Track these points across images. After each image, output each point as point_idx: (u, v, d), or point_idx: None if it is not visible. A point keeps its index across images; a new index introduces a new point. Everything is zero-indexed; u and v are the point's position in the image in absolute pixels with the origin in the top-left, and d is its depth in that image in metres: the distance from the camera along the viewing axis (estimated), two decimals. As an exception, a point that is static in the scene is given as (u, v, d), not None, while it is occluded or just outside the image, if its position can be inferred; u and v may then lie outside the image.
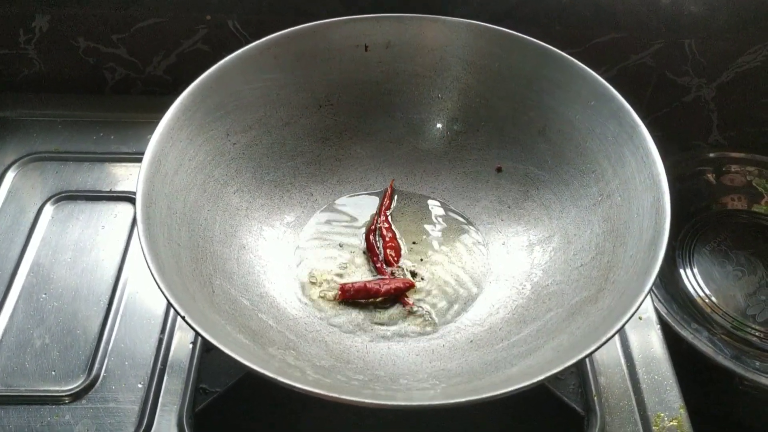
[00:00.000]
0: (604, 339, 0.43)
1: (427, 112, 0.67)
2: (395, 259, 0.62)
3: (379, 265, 0.61)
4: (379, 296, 0.59)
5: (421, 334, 0.57)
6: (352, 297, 0.58)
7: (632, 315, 0.44)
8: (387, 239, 0.63)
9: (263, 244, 0.61)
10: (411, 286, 0.59)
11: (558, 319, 0.52)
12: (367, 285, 0.59)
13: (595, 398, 0.57)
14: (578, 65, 0.60)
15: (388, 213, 0.65)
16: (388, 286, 0.58)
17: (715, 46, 0.78)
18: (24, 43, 0.80)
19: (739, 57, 0.79)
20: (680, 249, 0.82)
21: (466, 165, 0.67)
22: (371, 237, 0.63)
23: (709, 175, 0.87)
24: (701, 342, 0.70)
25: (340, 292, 0.58)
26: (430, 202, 0.67)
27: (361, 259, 0.62)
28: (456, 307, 0.59)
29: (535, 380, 0.42)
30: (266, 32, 0.62)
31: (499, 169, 0.66)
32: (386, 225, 0.64)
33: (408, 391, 0.48)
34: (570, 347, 0.47)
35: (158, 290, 0.61)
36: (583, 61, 0.60)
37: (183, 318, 0.43)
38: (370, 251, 0.63)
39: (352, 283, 0.59)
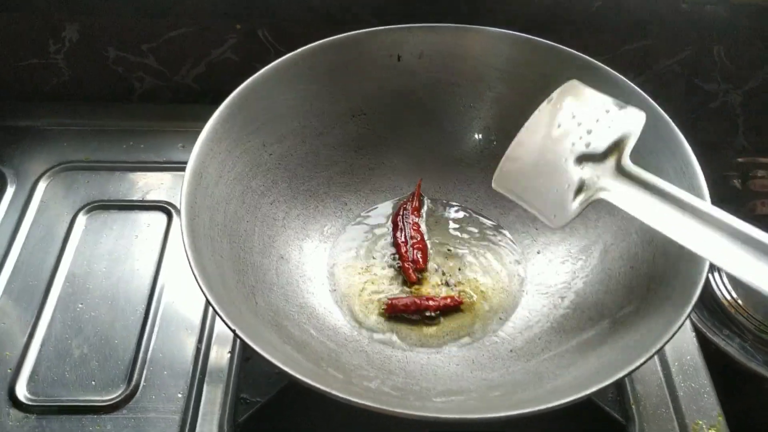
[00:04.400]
0: (652, 351, 0.43)
1: (460, 121, 0.68)
2: (423, 260, 0.62)
3: (406, 265, 0.62)
4: (428, 311, 0.59)
5: (460, 341, 0.57)
6: (399, 311, 0.59)
7: (679, 327, 0.44)
8: (416, 240, 0.63)
9: (300, 254, 0.61)
10: (459, 304, 0.59)
11: (599, 330, 0.52)
12: (416, 301, 0.59)
13: (633, 406, 0.57)
14: (614, 74, 0.60)
15: (416, 215, 0.65)
16: (437, 303, 0.59)
17: (743, 53, 0.78)
18: (54, 53, 0.80)
19: None
20: (708, 255, 0.81)
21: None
22: (397, 234, 0.64)
23: (735, 181, 0.87)
24: (733, 348, 0.70)
25: (386, 307, 0.59)
26: (461, 211, 0.67)
27: (394, 271, 0.63)
28: (494, 316, 0.59)
29: (583, 394, 0.42)
30: (296, 42, 0.63)
31: (532, 178, 0.66)
32: (415, 226, 0.64)
33: (457, 403, 0.49)
34: (615, 359, 0.47)
35: (195, 300, 0.63)
36: (612, 67, 0.60)
37: (235, 332, 0.43)
38: (396, 249, 0.63)
39: (399, 298, 0.59)
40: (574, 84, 0.44)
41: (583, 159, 0.41)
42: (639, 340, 0.47)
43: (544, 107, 0.42)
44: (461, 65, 0.66)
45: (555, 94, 0.43)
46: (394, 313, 0.59)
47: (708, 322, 0.73)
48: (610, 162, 0.41)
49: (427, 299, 0.59)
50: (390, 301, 0.59)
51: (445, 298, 0.60)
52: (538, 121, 0.42)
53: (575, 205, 0.41)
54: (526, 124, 0.42)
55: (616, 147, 0.41)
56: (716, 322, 0.74)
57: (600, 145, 0.41)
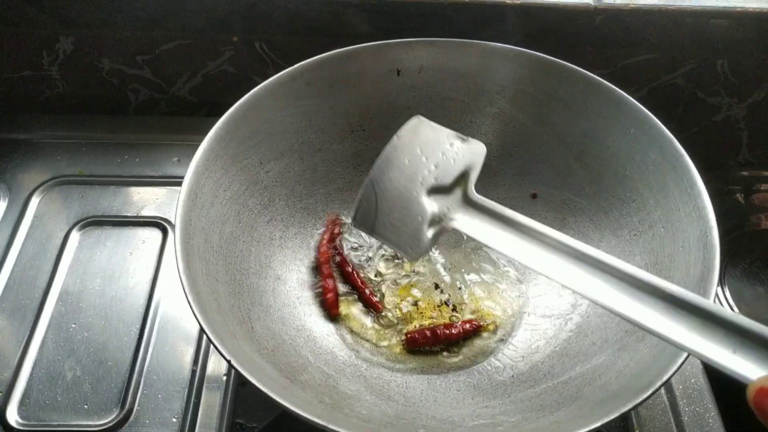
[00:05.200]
0: (658, 383, 0.42)
1: (460, 137, 0.66)
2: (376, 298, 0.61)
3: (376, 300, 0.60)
4: (450, 341, 0.57)
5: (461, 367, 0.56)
6: (420, 345, 0.57)
7: (687, 357, 0.43)
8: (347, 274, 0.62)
9: (298, 275, 0.60)
10: (479, 328, 0.58)
11: (604, 356, 0.51)
12: (437, 331, 0.57)
13: (637, 431, 0.56)
14: (617, 92, 0.59)
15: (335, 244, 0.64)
16: (458, 330, 0.57)
17: (747, 66, 0.77)
18: (48, 64, 0.79)
19: (772, 76, 0.78)
20: (711, 270, 0.81)
21: (499, 191, 0.66)
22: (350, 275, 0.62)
23: (738, 195, 0.86)
24: (738, 369, 0.69)
25: (406, 342, 0.57)
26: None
27: (393, 290, 0.62)
28: (496, 339, 0.58)
29: (587, 429, 0.41)
30: (293, 54, 0.62)
31: (534, 195, 0.65)
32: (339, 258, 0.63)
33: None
34: (620, 388, 0.46)
35: (190, 320, 0.62)
36: (614, 82, 0.59)
37: (230, 363, 0.42)
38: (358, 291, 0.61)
39: (417, 331, 0.57)
40: (419, 119, 0.46)
41: (433, 192, 0.43)
42: (645, 369, 0.45)
43: (394, 142, 0.45)
44: (461, 80, 0.64)
45: (402, 131, 0.45)
46: (415, 347, 0.57)
47: (712, 340, 0.72)
48: (457, 193, 0.44)
49: (446, 327, 0.57)
50: (408, 336, 0.57)
51: (464, 323, 0.58)
52: (390, 158, 0.44)
53: (428, 236, 0.43)
54: (377, 162, 0.44)
55: (462, 179, 0.44)
56: (720, 340, 0.73)
57: (447, 178, 0.43)
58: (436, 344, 0.57)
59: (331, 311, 0.58)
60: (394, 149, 0.45)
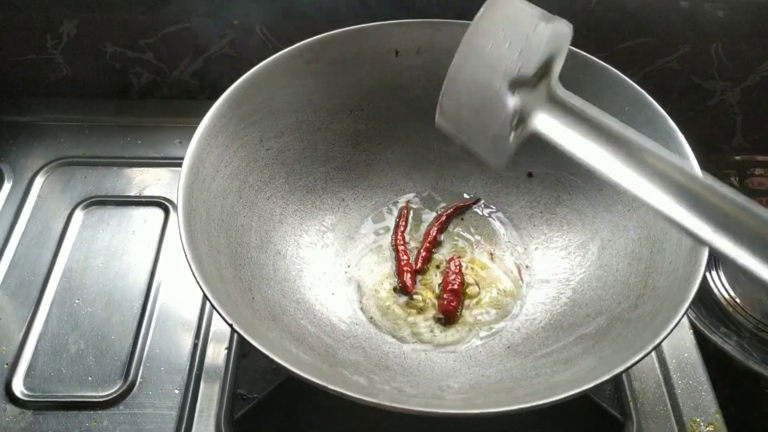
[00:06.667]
0: (649, 347, 0.43)
1: (457, 117, 0.67)
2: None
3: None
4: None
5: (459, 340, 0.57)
6: (456, 309, 0.59)
7: (677, 323, 0.44)
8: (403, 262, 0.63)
9: (297, 250, 0.61)
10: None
11: (597, 326, 0.52)
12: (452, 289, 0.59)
13: (631, 403, 0.57)
14: (611, 71, 0.60)
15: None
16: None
17: (741, 50, 0.78)
18: (51, 48, 0.80)
19: (765, 61, 0.79)
20: (706, 252, 0.81)
21: (496, 170, 0.67)
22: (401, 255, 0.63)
23: (732, 179, 0.87)
24: (731, 346, 0.70)
25: (443, 311, 0.58)
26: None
27: (392, 266, 0.63)
28: (493, 312, 0.59)
29: (578, 390, 0.42)
30: (294, 37, 0.62)
31: (530, 174, 0.66)
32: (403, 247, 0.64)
33: (453, 399, 0.48)
34: (612, 355, 0.47)
35: (192, 296, 0.63)
36: (610, 65, 0.60)
37: (232, 327, 0.43)
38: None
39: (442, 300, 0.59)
40: None
41: (515, 85, 0.36)
42: (636, 336, 0.47)
43: (476, 24, 0.37)
44: (459, 61, 0.65)
45: (483, 9, 0.38)
46: (454, 314, 0.58)
47: (706, 320, 0.73)
48: (542, 89, 0.37)
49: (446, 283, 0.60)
50: (443, 306, 0.59)
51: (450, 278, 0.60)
52: (472, 43, 0.37)
53: (512, 139, 0.37)
54: (459, 50, 0.38)
55: (545, 70, 0.37)
56: (714, 320, 0.74)
57: (530, 68, 0.36)
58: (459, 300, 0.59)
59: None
60: (476, 32, 0.37)
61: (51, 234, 0.69)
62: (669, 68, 0.80)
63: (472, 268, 0.62)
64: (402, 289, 0.60)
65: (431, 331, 0.57)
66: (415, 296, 0.60)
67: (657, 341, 0.43)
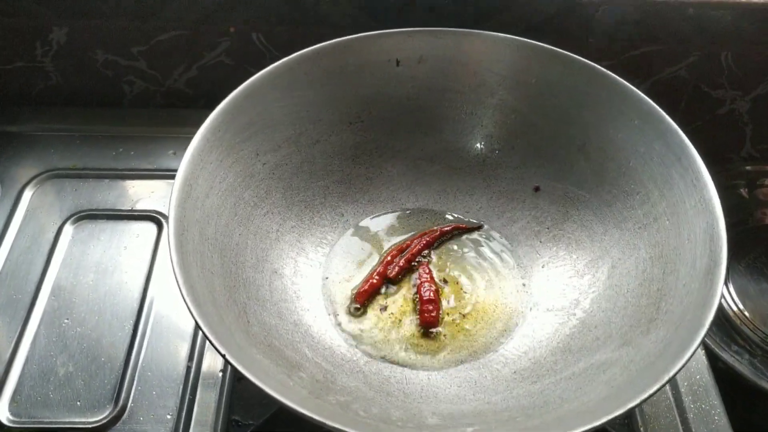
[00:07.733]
0: (665, 379, 0.41)
1: (460, 128, 0.65)
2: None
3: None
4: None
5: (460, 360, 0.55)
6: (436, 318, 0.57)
7: (694, 352, 0.42)
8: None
9: (295, 268, 0.59)
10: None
11: (607, 351, 0.50)
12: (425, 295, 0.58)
13: (641, 428, 0.55)
14: (621, 82, 0.58)
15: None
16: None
17: (751, 59, 0.76)
18: (41, 56, 0.78)
19: (776, 69, 0.77)
20: (715, 266, 0.79)
21: (501, 184, 0.65)
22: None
23: (742, 189, 0.85)
24: (743, 365, 0.68)
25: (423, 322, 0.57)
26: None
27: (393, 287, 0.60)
28: (496, 334, 0.57)
29: (591, 425, 0.40)
30: (291, 45, 0.60)
31: (536, 189, 0.64)
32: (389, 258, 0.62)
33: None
34: (625, 383, 0.45)
35: (185, 316, 0.60)
36: (617, 74, 0.58)
37: (225, 357, 0.41)
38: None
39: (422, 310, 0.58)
40: None
41: None
42: (650, 364, 0.44)
43: None
44: (462, 71, 0.63)
45: None
46: (433, 323, 0.57)
47: (716, 336, 0.71)
48: None
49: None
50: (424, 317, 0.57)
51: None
52: None
53: None
54: None
55: None
56: (724, 336, 0.72)
57: None
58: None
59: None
60: None
61: (40, 249, 0.67)
62: (678, 77, 0.78)
63: (472, 289, 0.60)
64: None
65: (420, 348, 0.56)
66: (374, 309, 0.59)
67: (672, 372, 0.41)
